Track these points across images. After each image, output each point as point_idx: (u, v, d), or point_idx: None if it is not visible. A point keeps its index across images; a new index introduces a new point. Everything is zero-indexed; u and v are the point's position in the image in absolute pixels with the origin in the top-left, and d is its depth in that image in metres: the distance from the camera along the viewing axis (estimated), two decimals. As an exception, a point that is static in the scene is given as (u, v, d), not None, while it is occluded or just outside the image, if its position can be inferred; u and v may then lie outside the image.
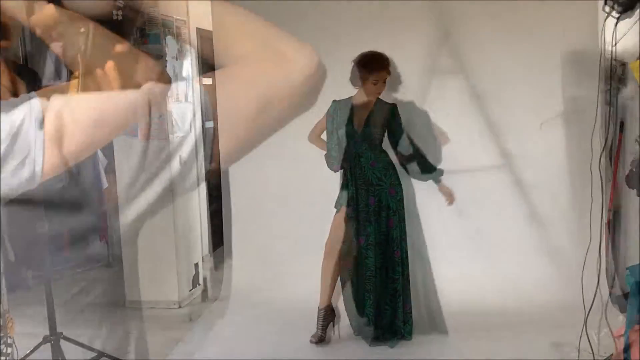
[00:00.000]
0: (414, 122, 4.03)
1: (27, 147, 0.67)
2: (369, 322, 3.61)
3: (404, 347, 3.61)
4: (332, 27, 4.33)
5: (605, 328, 3.36)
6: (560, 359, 3.30)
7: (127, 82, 0.73)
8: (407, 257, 3.64)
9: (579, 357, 2.87)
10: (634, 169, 3.32)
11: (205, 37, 5.01)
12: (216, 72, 0.68)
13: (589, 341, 2.52)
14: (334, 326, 3.75)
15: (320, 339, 3.65)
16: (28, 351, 3.09)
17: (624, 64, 4.24)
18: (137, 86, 0.73)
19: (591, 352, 2.51)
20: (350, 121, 3.63)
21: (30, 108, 0.68)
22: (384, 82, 3.55)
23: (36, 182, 0.69)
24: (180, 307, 4.38)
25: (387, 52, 3.56)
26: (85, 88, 0.71)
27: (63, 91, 0.72)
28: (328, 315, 3.71)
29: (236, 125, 0.66)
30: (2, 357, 2.19)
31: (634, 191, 4.12)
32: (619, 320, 3.22)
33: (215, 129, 0.64)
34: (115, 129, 0.73)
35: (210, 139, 0.65)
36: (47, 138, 0.67)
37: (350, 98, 3.66)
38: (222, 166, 0.67)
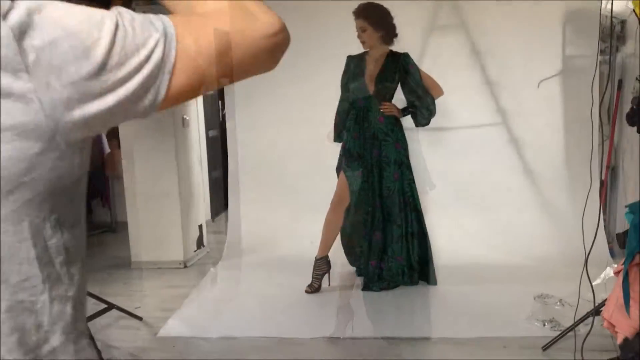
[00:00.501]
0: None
1: (155, 72, 0.65)
2: (376, 269, 3.73)
3: (390, 294, 3.71)
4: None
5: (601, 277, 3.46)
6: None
7: (251, 21, 0.73)
8: (417, 205, 3.76)
9: (577, 307, 2.95)
10: (634, 107, 3.37)
11: None
12: (189, 17, 0.71)
13: (590, 281, 2.58)
14: (329, 278, 3.83)
15: (315, 289, 3.74)
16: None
17: (623, 21, 4.28)
18: (260, 29, 0.73)
19: (593, 298, 2.58)
20: (361, 75, 3.67)
21: (164, 29, 0.66)
22: (364, 32, 3.56)
23: (150, 112, 0.68)
24: (185, 266, 4.45)
25: (391, 8, 3.58)
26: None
27: (190, 21, 0.71)
28: (324, 265, 3.80)
29: (195, 65, 0.68)
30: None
31: (629, 153, 4.19)
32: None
33: (174, 66, 0.65)
34: (237, 69, 0.72)
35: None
36: (176, 65, 0.66)
37: (364, 53, 3.70)
38: (167, 106, 0.68)
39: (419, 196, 3.82)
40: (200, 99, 5.60)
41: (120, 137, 4.49)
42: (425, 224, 3.80)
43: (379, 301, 3.63)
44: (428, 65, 4.19)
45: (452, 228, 4.27)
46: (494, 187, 4.40)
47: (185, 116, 4.49)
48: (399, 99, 3.76)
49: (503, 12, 4.22)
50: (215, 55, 0.69)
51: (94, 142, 4.02)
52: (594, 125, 2.91)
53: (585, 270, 2.58)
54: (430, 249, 3.81)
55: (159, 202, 4.40)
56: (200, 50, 0.68)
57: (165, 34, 0.66)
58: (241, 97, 4.62)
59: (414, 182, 3.75)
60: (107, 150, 5.25)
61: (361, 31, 3.56)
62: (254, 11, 0.74)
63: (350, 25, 3.65)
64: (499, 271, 3.99)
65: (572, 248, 3.80)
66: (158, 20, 0.67)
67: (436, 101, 3.75)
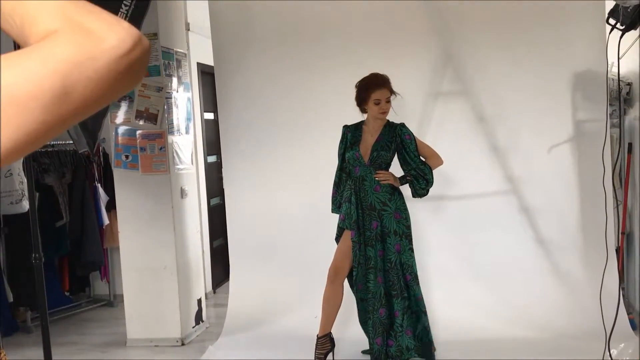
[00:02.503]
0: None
1: None
2: (375, 346, 3.50)
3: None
4: (335, 54, 4.33)
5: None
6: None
7: (94, 47, 0.61)
8: (415, 280, 3.56)
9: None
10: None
11: (206, 72, 5.02)
12: (7, 54, 0.59)
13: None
14: (333, 356, 3.63)
15: None
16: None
17: (629, 84, 4.20)
18: (108, 52, 0.61)
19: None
20: (357, 144, 3.58)
21: None
22: (387, 101, 3.49)
23: None
24: (183, 344, 4.24)
25: (390, 75, 3.52)
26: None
27: (10, 59, 0.60)
28: (327, 343, 3.60)
29: (23, 113, 0.56)
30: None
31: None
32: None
33: None
34: (85, 106, 0.61)
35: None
36: (2, 117, 0.56)
37: (361, 122, 3.63)
38: (9, 159, 0.56)
39: (420, 267, 3.65)
40: (202, 166, 5.53)
41: (118, 208, 4.38)
42: (422, 299, 3.59)
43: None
44: (433, 131, 4.12)
45: (459, 301, 4.06)
46: (505, 258, 4.21)
47: (184, 187, 4.39)
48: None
49: (508, 77, 4.15)
50: (52, 97, 0.58)
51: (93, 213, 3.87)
52: (608, 195, 2.78)
53: (607, 349, 2.39)
54: (429, 325, 3.59)
55: (156, 276, 4.25)
56: (29, 94, 0.57)
57: None
58: (239, 165, 4.53)
59: (412, 253, 3.57)
60: (106, 221, 5.14)
61: (385, 101, 3.49)
62: (96, 29, 0.61)
63: (346, 90, 3.61)
64: (510, 346, 3.76)
65: (590, 320, 3.60)
66: None
67: (442, 169, 3.63)
